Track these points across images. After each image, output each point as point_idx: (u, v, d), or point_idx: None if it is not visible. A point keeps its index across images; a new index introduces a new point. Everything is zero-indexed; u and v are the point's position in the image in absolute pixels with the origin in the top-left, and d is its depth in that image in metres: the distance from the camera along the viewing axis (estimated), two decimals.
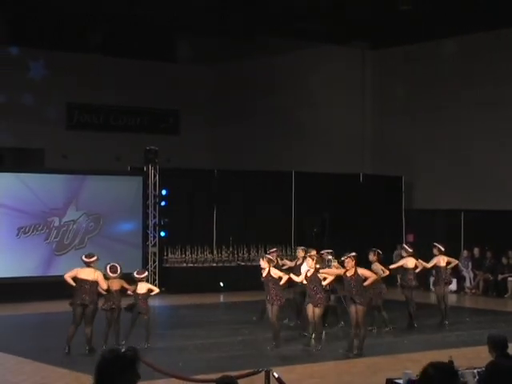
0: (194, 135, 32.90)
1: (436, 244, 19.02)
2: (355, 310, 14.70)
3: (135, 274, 15.73)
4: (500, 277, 24.92)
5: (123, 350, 4.74)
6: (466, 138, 27.67)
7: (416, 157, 28.99)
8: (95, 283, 15.02)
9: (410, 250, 18.74)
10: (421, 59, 28.70)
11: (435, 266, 18.99)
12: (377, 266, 17.14)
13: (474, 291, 25.49)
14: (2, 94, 27.40)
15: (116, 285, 15.29)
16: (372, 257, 17.27)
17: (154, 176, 24.86)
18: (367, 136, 30.84)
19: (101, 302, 15.27)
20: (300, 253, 18.42)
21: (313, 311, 15.16)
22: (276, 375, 9.53)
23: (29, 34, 28.33)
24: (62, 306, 20.98)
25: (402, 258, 18.92)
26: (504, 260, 25.04)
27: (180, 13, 25.69)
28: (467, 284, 25.78)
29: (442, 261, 18.78)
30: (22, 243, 22.67)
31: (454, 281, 25.76)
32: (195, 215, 25.67)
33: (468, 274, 25.79)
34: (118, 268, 15.49)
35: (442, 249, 18.88)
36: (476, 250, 25.81)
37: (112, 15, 26.09)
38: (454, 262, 19.31)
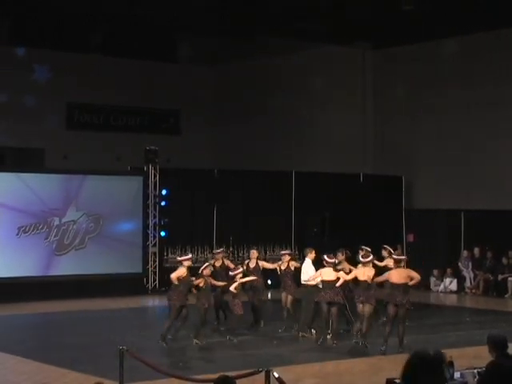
0: (194, 135, 32.89)
1: (386, 246, 18.79)
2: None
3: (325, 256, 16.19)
4: (500, 277, 24.92)
5: (432, 353, 4.77)
6: (466, 138, 27.66)
7: (416, 156, 28.99)
8: (186, 283, 15.83)
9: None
10: (421, 59, 28.68)
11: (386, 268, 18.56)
12: (344, 266, 17.07)
13: (474, 291, 25.48)
14: (2, 93, 27.40)
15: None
16: (340, 256, 17.22)
17: (155, 176, 24.88)
18: (367, 136, 30.82)
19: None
20: (254, 253, 18.40)
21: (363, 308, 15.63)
22: (276, 375, 9.52)
23: (29, 33, 28.32)
24: (62, 306, 21.09)
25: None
26: (504, 260, 25.04)
27: (180, 13, 25.67)
28: (467, 284, 25.78)
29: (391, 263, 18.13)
30: (22, 242, 22.66)
31: (455, 281, 25.83)
32: (195, 215, 25.65)
33: (468, 273, 25.79)
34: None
35: (393, 251, 18.49)
36: (476, 250, 25.79)
37: (112, 15, 26.08)
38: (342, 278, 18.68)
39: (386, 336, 15.06)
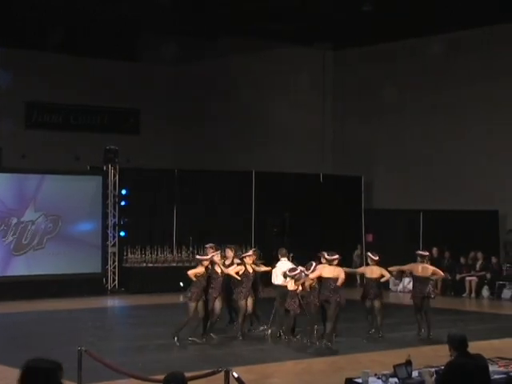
0: (154, 135, 32.79)
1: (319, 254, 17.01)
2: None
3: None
4: (458, 276, 25.15)
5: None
6: (425, 139, 27.90)
7: (376, 157, 29.17)
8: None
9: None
10: (381, 60, 28.87)
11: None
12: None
13: (432, 290, 25.63)
14: None
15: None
16: (229, 253, 16.94)
17: (114, 175, 24.75)
18: (327, 136, 30.96)
19: None
20: (229, 252, 17.28)
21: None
22: (235, 375, 9.50)
23: None
24: (20, 307, 20.88)
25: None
26: (462, 260, 25.29)
27: (141, 12, 25.59)
28: None
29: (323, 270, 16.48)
30: None
31: None
32: (155, 215, 25.58)
33: None
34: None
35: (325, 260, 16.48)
36: (434, 250, 25.95)
37: (72, 13, 25.91)
38: (341, 277, 15.98)
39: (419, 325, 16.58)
